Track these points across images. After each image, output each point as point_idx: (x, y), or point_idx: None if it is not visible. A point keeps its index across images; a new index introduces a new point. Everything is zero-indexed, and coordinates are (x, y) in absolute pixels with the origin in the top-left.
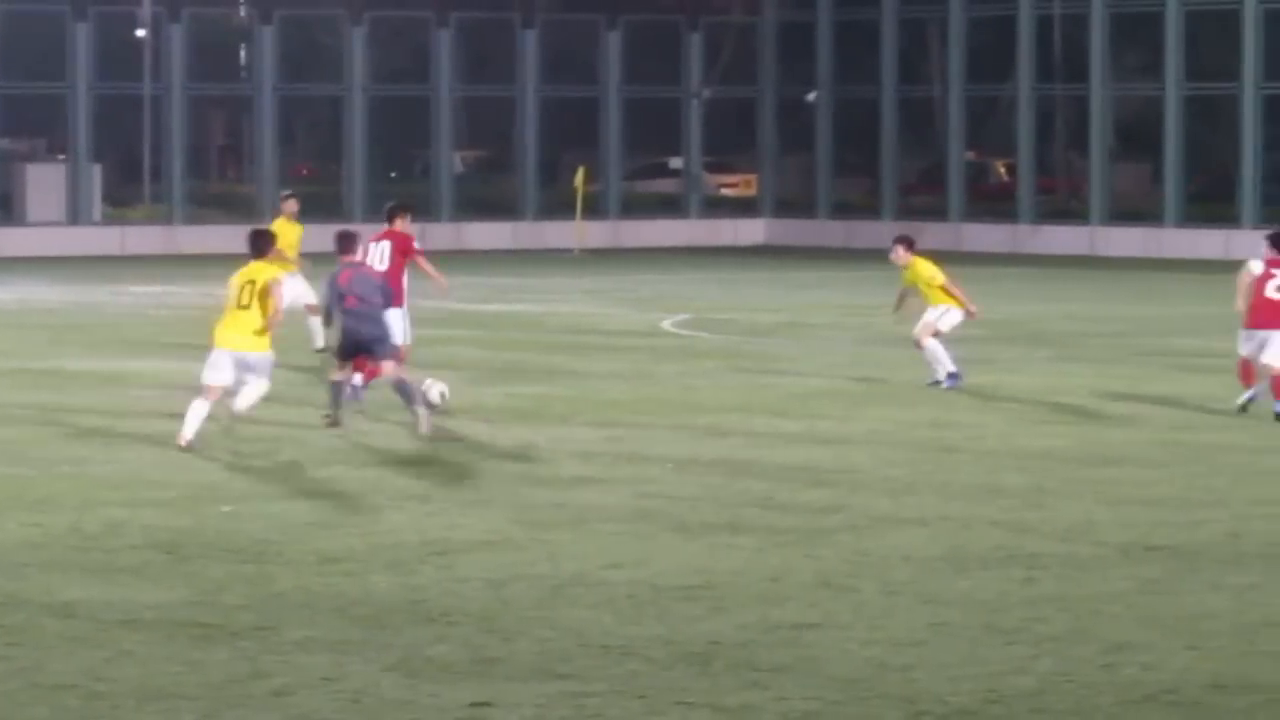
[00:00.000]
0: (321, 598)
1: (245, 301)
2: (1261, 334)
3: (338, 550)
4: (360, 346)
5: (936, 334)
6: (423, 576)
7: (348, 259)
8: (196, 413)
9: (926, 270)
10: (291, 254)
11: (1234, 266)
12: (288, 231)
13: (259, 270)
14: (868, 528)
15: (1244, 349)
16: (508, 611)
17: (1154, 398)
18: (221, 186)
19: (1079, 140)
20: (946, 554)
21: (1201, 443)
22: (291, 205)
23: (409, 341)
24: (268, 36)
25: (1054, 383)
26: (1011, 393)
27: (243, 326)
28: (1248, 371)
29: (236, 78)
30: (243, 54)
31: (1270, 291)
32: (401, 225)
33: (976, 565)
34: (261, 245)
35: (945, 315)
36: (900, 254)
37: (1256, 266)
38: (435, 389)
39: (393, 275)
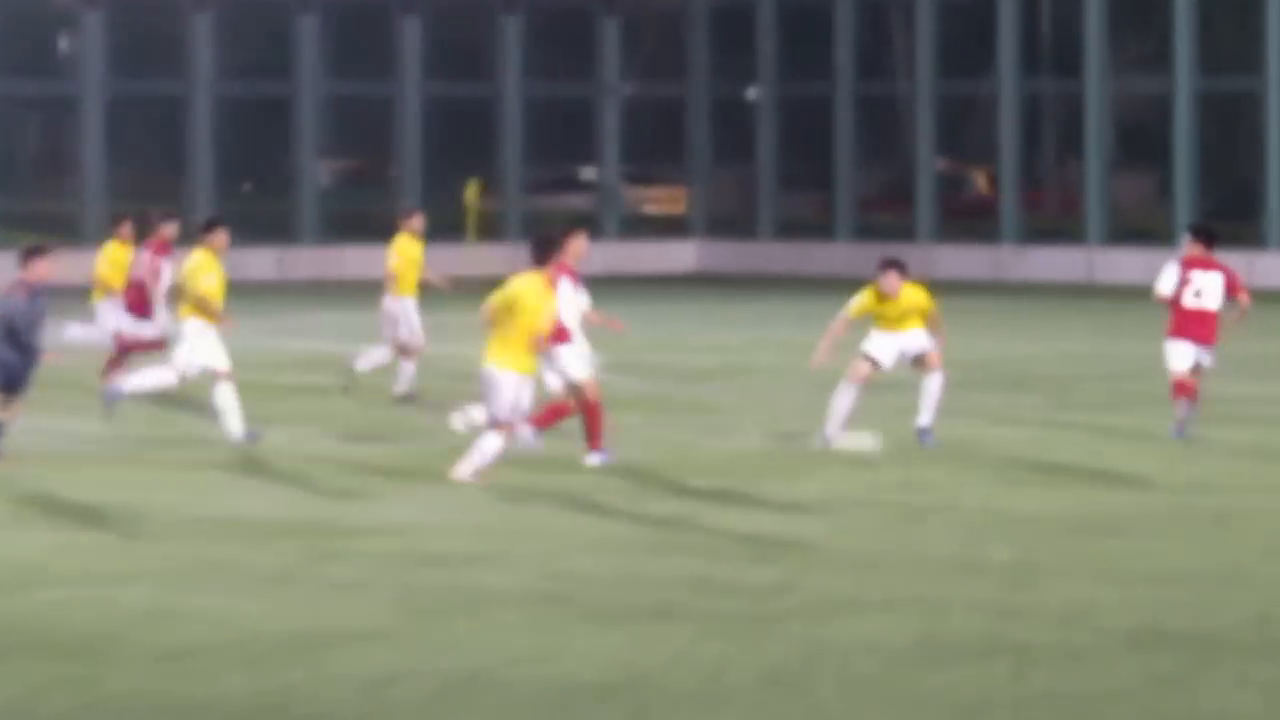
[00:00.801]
0: (163, 703)
1: (501, 317)
2: (1184, 345)
3: (182, 644)
4: (17, 381)
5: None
6: (286, 676)
7: (32, 276)
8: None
9: (917, 299)
10: (414, 275)
11: (1258, 295)
12: (411, 249)
13: (528, 284)
14: (824, 612)
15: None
16: (388, 717)
17: (1164, 452)
18: (38, 203)
19: (1072, 145)
20: (919, 644)
21: (1221, 507)
22: (416, 222)
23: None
24: (95, 24)
25: (1045, 435)
26: (995, 448)
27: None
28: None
29: (57, 73)
30: (64, 45)
31: (1188, 299)
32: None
33: (954, 657)
34: (543, 252)
35: (931, 341)
36: (893, 281)
37: (1171, 272)
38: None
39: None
